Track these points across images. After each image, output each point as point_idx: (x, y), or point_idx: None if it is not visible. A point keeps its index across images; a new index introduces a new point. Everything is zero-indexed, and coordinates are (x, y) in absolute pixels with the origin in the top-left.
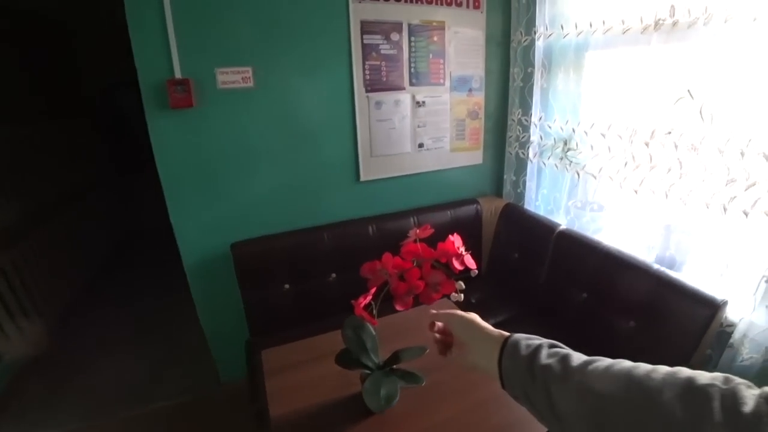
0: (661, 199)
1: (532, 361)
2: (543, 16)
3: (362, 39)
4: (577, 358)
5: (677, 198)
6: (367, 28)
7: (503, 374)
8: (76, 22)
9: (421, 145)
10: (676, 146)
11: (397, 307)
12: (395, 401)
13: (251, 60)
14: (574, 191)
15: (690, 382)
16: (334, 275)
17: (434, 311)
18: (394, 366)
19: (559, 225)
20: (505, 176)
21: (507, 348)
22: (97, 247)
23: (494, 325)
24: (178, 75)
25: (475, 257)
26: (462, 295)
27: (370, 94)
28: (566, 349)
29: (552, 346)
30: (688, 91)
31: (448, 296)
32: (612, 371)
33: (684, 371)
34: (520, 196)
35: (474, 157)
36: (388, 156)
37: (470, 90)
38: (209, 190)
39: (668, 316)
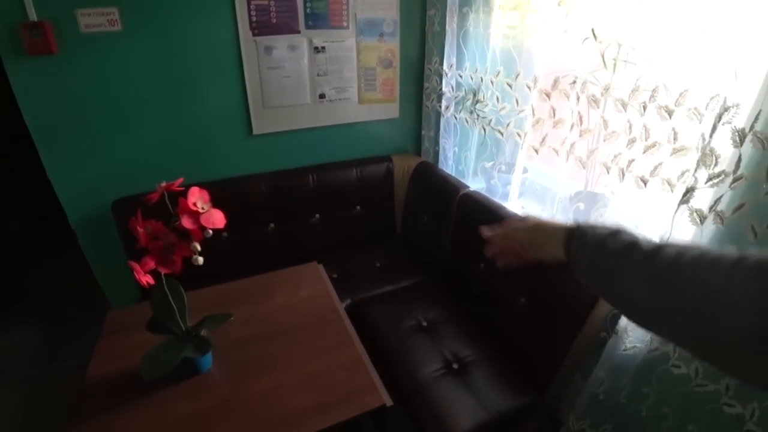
0: (561, 160)
1: (599, 246)
2: None
3: None
4: (646, 244)
5: (577, 160)
6: None
7: (571, 259)
8: None
9: (322, 96)
10: (578, 98)
11: (161, 270)
12: (169, 370)
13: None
14: (484, 150)
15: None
16: (224, 234)
17: (489, 233)
18: (197, 333)
19: (465, 188)
20: (423, 132)
21: (575, 235)
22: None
23: (396, 292)
24: (32, 18)
25: (385, 217)
26: (201, 258)
27: (258, 38)
28: (633, 236)
29: (618, 233)
30: (592, 30)
31: (188, 259)
32: (681, 261)
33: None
34: (437, 154)
35: (389, 110)
36: (284, 107)
37: (381, 35)
38: (86, 142)
39: (559, 294)
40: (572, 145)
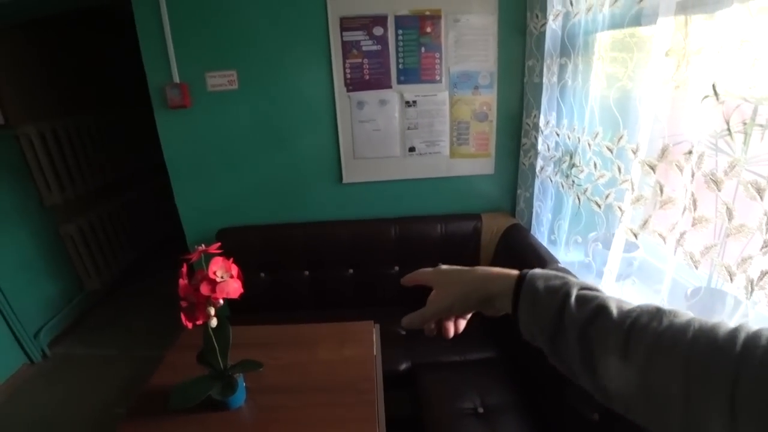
0: (668, 250)
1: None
2: None
3: (341, 36)
4: (617, 314)
5: (688, 255)
6: (346, 24)
7: (521, 322)
8: None
9: (412, 149)
10: (692, 174)
11: (186, 322)
12: (193, 404)
13: (236, 63)
14: (579, 220)
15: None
16: (306, 272)
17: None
18: (231, 374)
19: (554, 262)
20: (519, 191)
21: (524, 290)
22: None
23: (461, 363)
24: (176, 80)
25: None
26: (215, 320)
27: (352, 94)
28: (599, 295)
29: (582, 289)
30: (713, 86)
31: (207, 322)
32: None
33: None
34: (531, 217)
35: (483, 165)
36: (373, 159)
37: (476, 87)
38: (202, 178)
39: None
40: (682, 234)
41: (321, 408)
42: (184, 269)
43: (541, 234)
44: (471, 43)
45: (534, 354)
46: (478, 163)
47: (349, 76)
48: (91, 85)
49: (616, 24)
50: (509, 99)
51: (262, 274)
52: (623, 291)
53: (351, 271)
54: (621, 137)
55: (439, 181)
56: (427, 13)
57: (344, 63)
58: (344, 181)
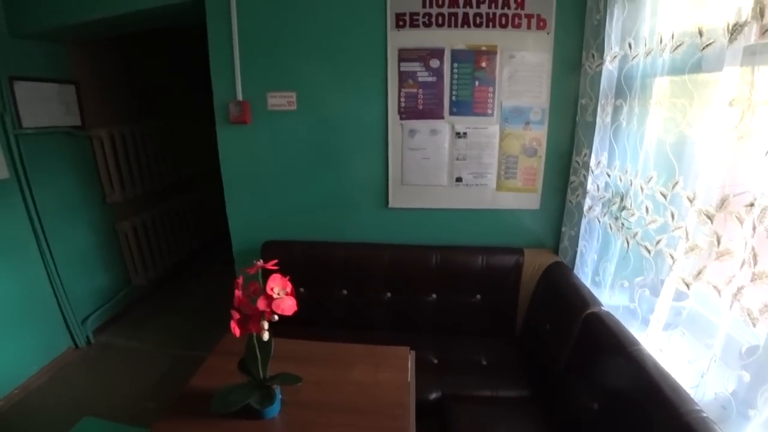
0: (724, 304)
1: None
2: (617, 33)
3: (399, 66)
4: None
5: (744, 311)
6: (404, 55)
7: None
8: None
9: (459, 179)
10: (754, 228)
11: (237, 331)
12: (232, 410)
13: (296, 86)
14: (626, 264)
15: None
16: (345, 291)
17: None
18: (270, 384)
19: (596, 305)
20: (563, 229)
21: None
22: (202, 226)
23: (492, 399)
24: (239, 97)
25: (506, 312)
26: (267, 333)
27: (404, 122)
28: None
29: None
30: None
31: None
32: None
33: None
34: (575, 256)
35: (528, 200)
36: (420, 186)
37: (527, 123)
38: (254, 193)
39: None
40: (740, 289)
41: (352, 429)
42: (240, 281)
43: (584, 274)
44: (525, 78)
45: (570, 397)
46: (524, 197)
47: (403, 104)
48: (154, 95)
49: (676, 69)
50: (560, 136)
51: (302, 289)
52: (671, 341)
53: (389, 294)
54: (676, 183)
55: (483, 213)
56: (484, 48)
57: (400, 92)
58: (390, 205)
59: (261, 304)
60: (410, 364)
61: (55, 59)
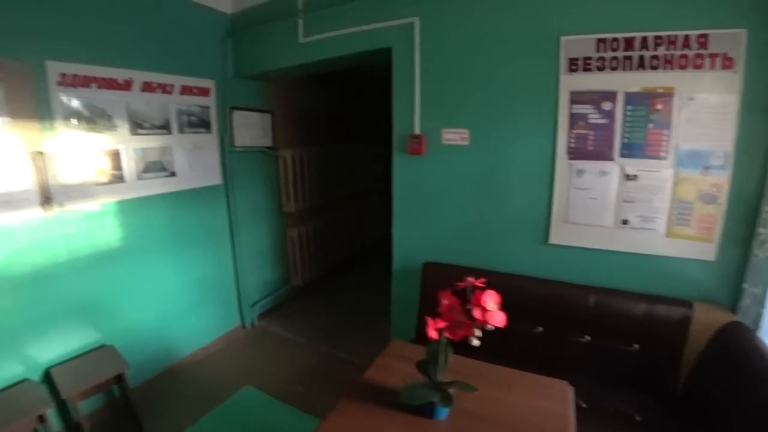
0: None
1: None
2: None
3: (570, 108)
4: None
5: None
6: (576, 98)
7: None
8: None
9: (624, 222)
10: None
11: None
12: (417, 402)
13: (470, 124)
14: None
15: None
16: None
17: None
18: (447, 389)
19: None
20: (744, 285)
21: None
22: (353, 239)
23: None
24: (416, 131)
25: (666, 368)
26: (478, 341)
27: (573, 162)
28: None
29: None
30: None
31: (467, 337)
32: None
33: None
34: (759, 318)
35: (702, 250)
36: (583, 225)
37: (706, 168)
38: (419, 217)
39: None
40: None
41: None
42: (448, 292)
43: None
44: (705, 121)
45: None
46: (697, 247)
47: (572, 145)
48: (329, 122)
49: None
50: (746, 183)
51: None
52: None
53: (540, 329)
54: None
55: (648, 259)
56: (660, 90)
57: (569, 133)
58: (550, 241)
59: (477, 314)
60: (570, 397)
61: (259, 93)
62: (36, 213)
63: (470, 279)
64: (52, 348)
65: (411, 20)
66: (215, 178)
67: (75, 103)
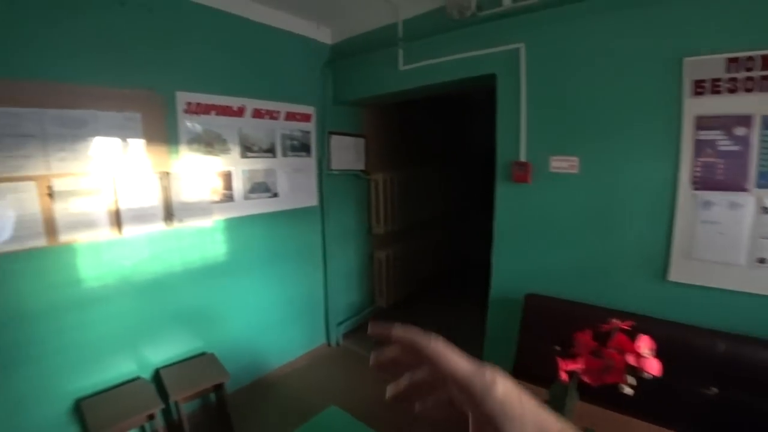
0: None
1: None
2: None
3: (695, 134)
4: None
5: None
6: (703, 123)
7: None
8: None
9: (762, 261)
10: None
11: (584, 379)
12: None
13: (579, 151)
14: None
15: None
16: None
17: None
18: None
19: None
20: None
21: None
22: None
23: None
24: (522, 159)
25: None
26: (630, 389)
27: (698, 192)
28: None
29: None
30: None
31: (617, 384)
32: None
33: None
34: None
35: None
36: (709, 263)
37: None
38: (521, 246)
39: None
40: None
41: None
42: (590, 333)
43: None
44: None
45: None
46: None
47: (698, 174)
48: (418, 146)
49: None
50: None
51: (557, 348)
52: None
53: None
54: None
55: None
56: None
57: (694, 161)
58: (670, 278)
59: (630, 359)
60: None
61: (354, 118)
62: (160, 227)
63: (615, 321)
64: (163, 351)
65: (517, 46)
66: (312, 200)
67: (197, 129)
